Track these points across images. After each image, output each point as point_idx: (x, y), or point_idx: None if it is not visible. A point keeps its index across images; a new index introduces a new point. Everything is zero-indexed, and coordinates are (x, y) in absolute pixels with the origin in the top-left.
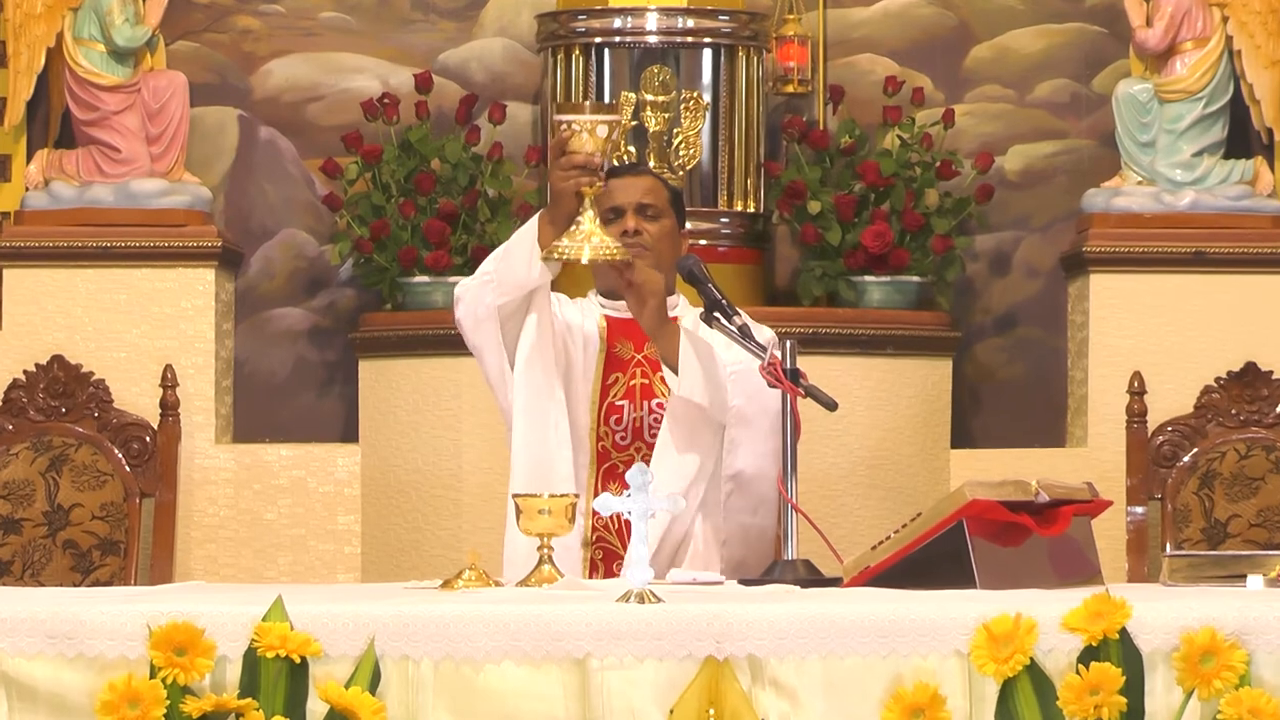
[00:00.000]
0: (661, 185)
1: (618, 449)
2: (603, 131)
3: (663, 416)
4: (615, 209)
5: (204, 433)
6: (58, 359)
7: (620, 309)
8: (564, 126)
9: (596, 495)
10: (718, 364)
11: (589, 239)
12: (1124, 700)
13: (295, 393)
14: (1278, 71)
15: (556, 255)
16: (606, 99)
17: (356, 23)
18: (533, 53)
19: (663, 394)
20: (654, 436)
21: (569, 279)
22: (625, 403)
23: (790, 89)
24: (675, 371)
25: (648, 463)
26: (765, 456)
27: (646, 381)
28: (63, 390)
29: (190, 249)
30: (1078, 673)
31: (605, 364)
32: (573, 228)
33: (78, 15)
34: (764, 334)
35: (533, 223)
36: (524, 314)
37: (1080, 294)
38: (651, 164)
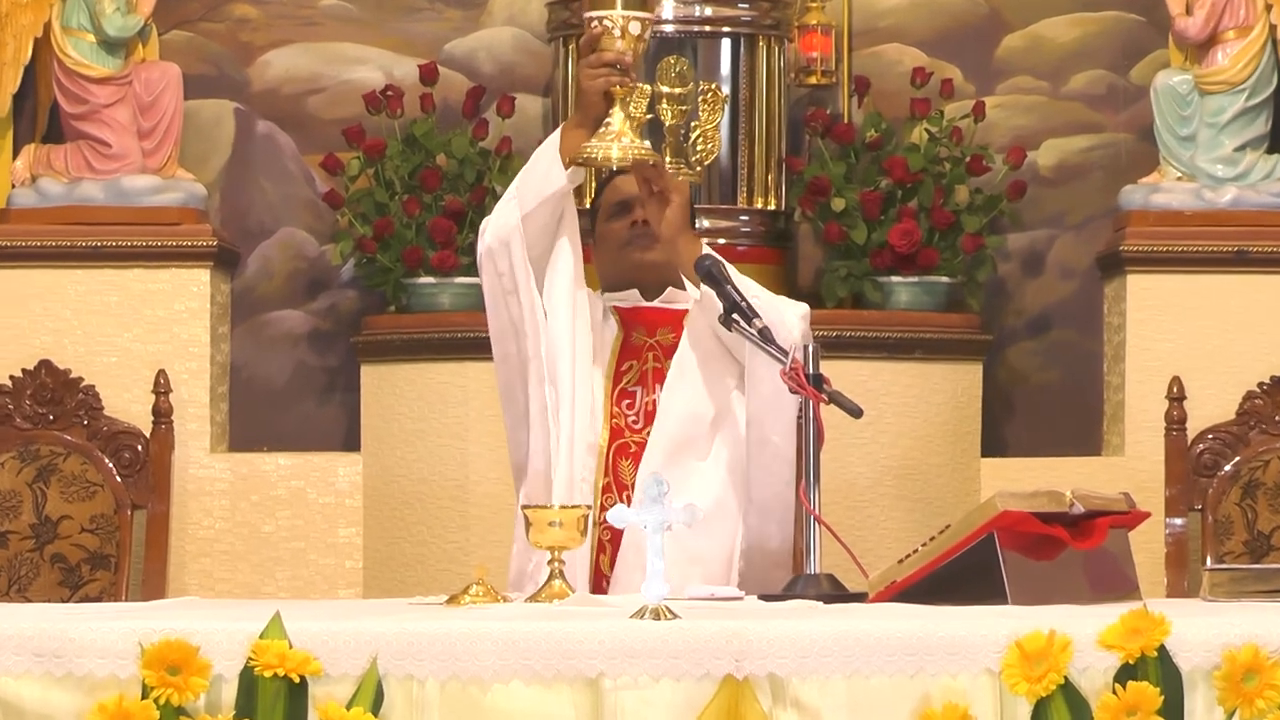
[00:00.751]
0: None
1: (630, 430)
2: (635, 29)
3: None
4: (622, 203)
5: (199, 441)
6: (45, 364)
7: (628, 300)
8: (594, 23)
9: (611, 471)
10: (743, 282)
11: (618, 139)
12: None
13: (294, 399)
14: None
15: (584, 156)
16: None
17: (359, 11)
18: (543, 42)
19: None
20: None
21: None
22: (638, 389)
23: (813, 81)
24: (694, 284)
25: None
26: (778, 395)
27: (659, 366)
28: (51, 397)
29: (184, 249)
30: (1114, 692)
31: (621, 350)
32: (601, 129)
33: (66, 4)
34: (798, 309)
35: (558, 131)
36: (551, 239)
37: (1117, 295)
38: (668, 159)
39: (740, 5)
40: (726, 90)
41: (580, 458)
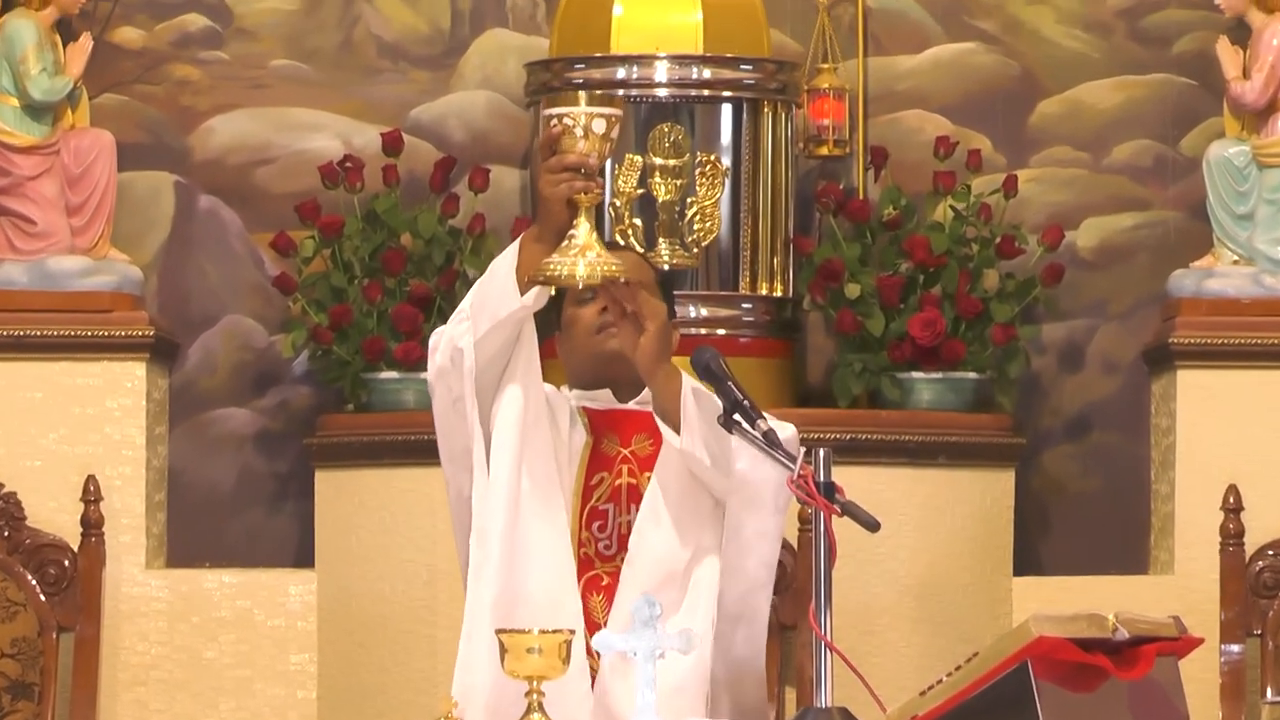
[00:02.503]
0: (644, 264)
1: (601, 559)
2: (599, 127)
3: None
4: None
5: (133, 556)
6: None
7: (600, 401)
8: (553, 122)
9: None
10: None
11: (584, 253)
12: None
13: (240, 509)
14: None
15: (545, 274)
16: (608, 161)
17: (314, 72)
18: (520, 107)
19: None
20: None
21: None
22: (610, 506)
23: (824, 151)
24: (672, 424)
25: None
26: (760, 537)
27: (634, 482)
28: None
29: (117, 339)
30: None
31: (590, 460)
32: (565, 242)
33: None
34: (784, 431)
35: (516, 243)
36: (503, 363)
37: (1166, 393)
38: (661, 241)
39: (742, 67)
40: (727, 162)
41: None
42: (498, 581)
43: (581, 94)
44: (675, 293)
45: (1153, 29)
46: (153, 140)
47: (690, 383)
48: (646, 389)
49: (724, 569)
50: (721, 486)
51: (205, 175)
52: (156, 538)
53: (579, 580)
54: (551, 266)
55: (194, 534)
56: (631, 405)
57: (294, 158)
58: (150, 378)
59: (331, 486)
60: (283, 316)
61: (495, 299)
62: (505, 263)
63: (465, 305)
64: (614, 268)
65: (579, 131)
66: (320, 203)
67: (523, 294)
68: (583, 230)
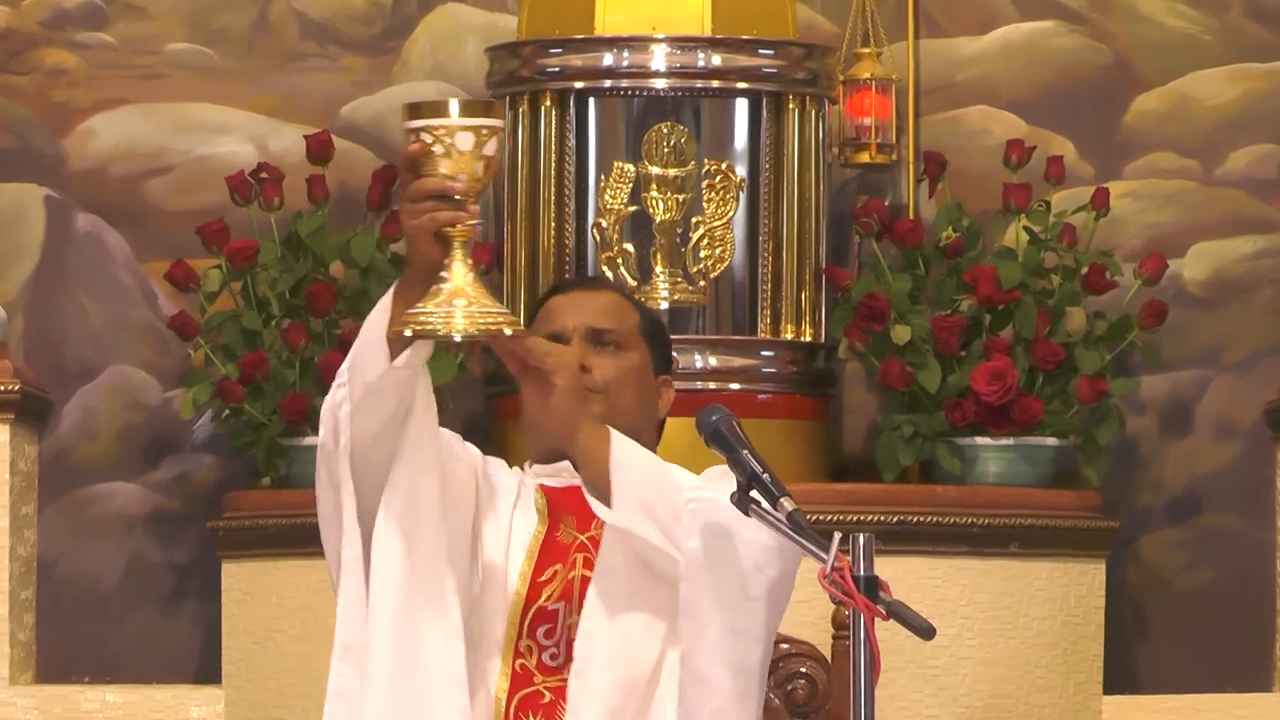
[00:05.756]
0: (629, 306)
1: (544, 670)
2: (466, 143)
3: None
4: (555, 335)
5: None
6: None
7: (559, 473)
8: (412, 137)
9: None
10: (671, 483)
11: (454, 299)
12: None
13: (128, 609)
14: None
15: (414, 328)
16: (592, 167)
17: (220, 58)
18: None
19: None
20: None
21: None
22: (560, 605)
23: (865, 158)
24: (603, 494)
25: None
26: (732, 635)
27: (589, 574)
28: None
29: None
30: None
31: (541, 552)
32: (433, 287)
33: None
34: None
35: (390, 290)
36: (393, 443)
37: None
38: (659, 271)
39: (761, 52)
40: (742, 172)
41: None
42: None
43: (453, 101)
44: (678, 336)
45: (1277, 6)
46: (18, 145)
47: (621, 439)
48: None
49: (684, 679)
50: (668, 567)
51: (84, 189)
52: (23, 645)
53: (510, 698)
54: (421, 318)
55: (70, 641)
56: None
57: (195, 166)
58: (15, 444)
59: (242, 581)
60: (181, 367)
61: (365, 360)
62: (376, 316)
63: (344, 364)
64: (497, 317)
65: (438, 149)
66: (229, 223)
67: (395, 354)
68: (456, 271)
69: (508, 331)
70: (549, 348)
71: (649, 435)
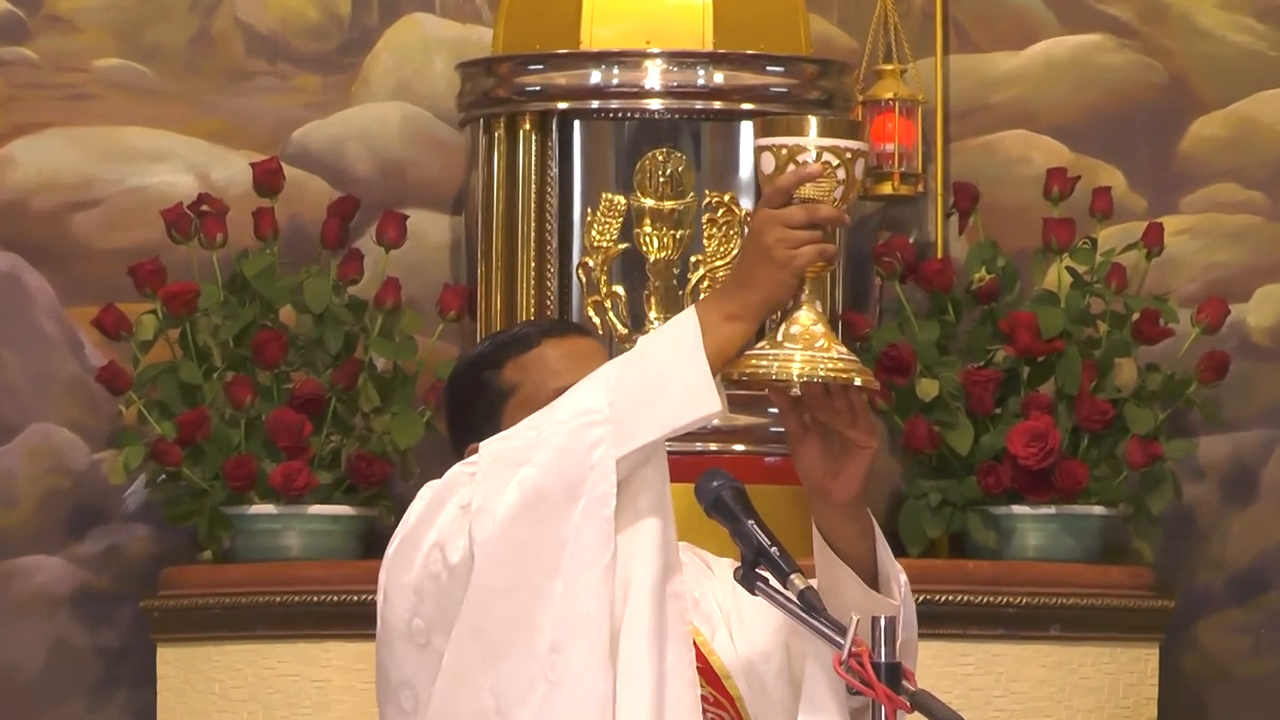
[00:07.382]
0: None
1: None
2: (859, 169)
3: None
4: (561, 391)
5: None
6: None
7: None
8: (782, 153)
9: None
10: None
11: (813, 343)
12: None
13: (53, 700)
14: None
15: (748, 371)
16: (578, 199)
17: (156, 77)
18: (453, 127)
19: (720, 668)
20: None
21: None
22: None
23: (888, 189)
24: (852, 566)
25: None
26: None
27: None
28: None
29: None
30: None
31: None
32: (781, 325)
33: None
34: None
35: (690, 317)
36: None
37: None
38: (653, 317)
39: (769, 70)
40: (746, 205)
41: None
42: None
43: (812, 119)
44: None
45: None
46: None
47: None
48: None
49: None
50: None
51: (1, 224)
52: None
53: None
54: (762, 361)
55: None
56: None
57: (128, 199)
58: None
59: (180, 668)
60: (111, 426)
61: (668, 398)
62: (685, 341)
63: (594, 401)
64: (844, 366)
65: (841, 174)
66: (165, 263)
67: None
68: (807, 316)
69: (858, 382)
70: (870, 418)
71: None
